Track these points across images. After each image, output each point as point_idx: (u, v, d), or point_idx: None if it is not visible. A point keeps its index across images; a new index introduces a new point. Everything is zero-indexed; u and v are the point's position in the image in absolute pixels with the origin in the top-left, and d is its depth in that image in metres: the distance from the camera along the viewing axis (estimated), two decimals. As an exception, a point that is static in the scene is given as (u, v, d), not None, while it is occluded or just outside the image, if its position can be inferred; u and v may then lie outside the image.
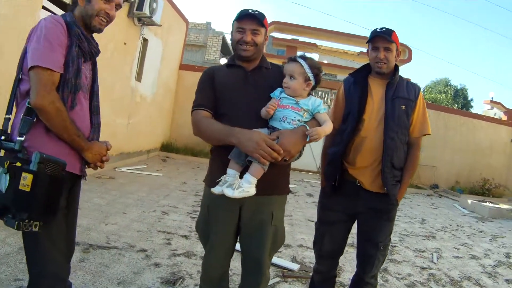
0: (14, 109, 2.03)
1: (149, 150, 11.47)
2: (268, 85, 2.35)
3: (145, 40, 9.85)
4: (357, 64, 16.18)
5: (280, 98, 2.27)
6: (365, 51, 3.04)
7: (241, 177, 2.14)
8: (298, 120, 2.23)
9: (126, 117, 9.48)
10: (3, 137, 1.93)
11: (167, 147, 12.72)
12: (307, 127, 2.21)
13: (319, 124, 2.25)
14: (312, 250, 3.14)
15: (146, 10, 8.56)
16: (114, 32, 7.94)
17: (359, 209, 2.85)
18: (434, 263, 5.18)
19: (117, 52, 8.31)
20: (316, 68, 2.29)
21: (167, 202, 6.40)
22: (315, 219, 3.07)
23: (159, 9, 9.17)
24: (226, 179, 2.15)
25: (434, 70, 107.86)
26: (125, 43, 8.61)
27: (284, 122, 2.22)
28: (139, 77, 9.94)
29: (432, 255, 5.51)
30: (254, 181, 2.12)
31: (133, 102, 9.76)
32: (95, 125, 2.19)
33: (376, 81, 2.86)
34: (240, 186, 2.10)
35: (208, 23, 25.58)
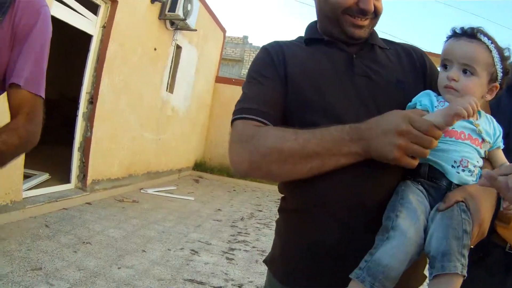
0: None
1: (180, 169, 10.50)
2: (393, 79, 1.27)
3: (178, 47, 8.92)
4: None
5: None
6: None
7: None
8: (479, 167, 1.20)
9: (156, 132, 8.52)
10: None
11: (200, 166, 11.75)
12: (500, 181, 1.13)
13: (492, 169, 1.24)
14: None
15: (179, 11, 7.53)
16: (142, 35, 7.02)
17: None
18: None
19: (146, 58, 7.36)
20: (506, 57, 1.20)
21: (198, 236, 5.28)
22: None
23: (194, 11, 8.18)
24: None
25: None
26: (155, 49, 7.67)
27: (459, 168, 1.15)
28: (171, 88, 8.99)
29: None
30: None
31: (164, 116, 8.81)
32: None
33: None
34: None
35: (245, 37, 25.15)
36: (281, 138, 1.13)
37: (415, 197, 1.11)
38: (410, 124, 1.03)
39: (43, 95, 1.36)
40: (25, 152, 1.33)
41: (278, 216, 1.35)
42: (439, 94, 1.21)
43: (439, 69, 1.23)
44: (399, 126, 1.03)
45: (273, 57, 1.29)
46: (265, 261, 1.37)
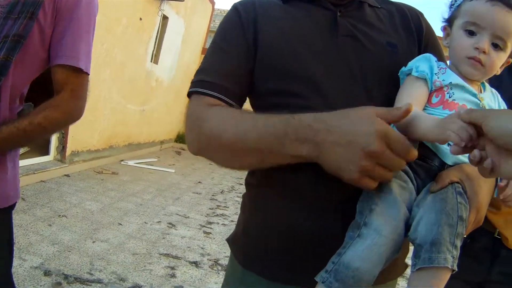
0: None
1: (162, 141, 10.48)
2: (383, 41, 1.09)
3: (164, 18, 8.77)
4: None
5: (445, 86, 0.99)
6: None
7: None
8: None
9: (139, 103, 8.44)
10: None
11: (182, 138, 11.67)
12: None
13: None
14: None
15: (166, -20, 7.47)
16: (128, 4, 6.87)
17: (490, 276, 1.71)
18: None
19: (131, 28, 7.23)
20: None
21: (176, 209, 5.30)
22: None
23: (181, -19, 8.08)
24: None
25: None
26: (140, 19, 7.53)
27: None
28: (155, 58, 8.87)
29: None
30: None
31: (148, 87, 8.72)
32: None
33: None
34: None
35: (235, 9, 24.71)
36: (222, 126, 1.00)
37: (397, 183, 0.93)
38: (385, 144, 0.84)
39: (89, 71, 1.37)
40: (68, 126, 1.37)
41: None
42: (438, 60, 1.05)
43: (460, 32, 1.02)
44: (370, 146, 0.83)
45: (242, 18, 1.12)
46: (227, 240, 1.22)
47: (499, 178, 1.01)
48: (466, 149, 0.77)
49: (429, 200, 0.92)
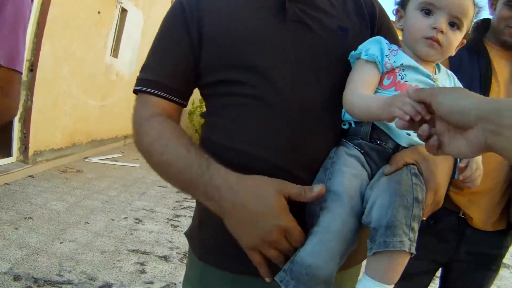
0: None
1: (126, 136, 10.34)
2: (334, 26, 1.07)
3: (123, 11, 8.66)
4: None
5: (397, 67, 0.99)
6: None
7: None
8: None
9: (100, 98, 8.33)
10: None
11: (146, 131, 11.48)
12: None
13: None
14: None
15: (123, -28, 7.38)
16: (86, -2, 6.77)
17: (457, 255, 1.81)
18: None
19: (90, 22, 7.12)
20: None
21: (142, 204, 5.32)
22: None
23: (139, -27, 7.99)
24: None
25: None
26: (99, 12, 7.43)
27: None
28: (115, 52, 8.73)
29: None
30: None
31: (108, 81, 8.60)
32: None
33: (499, 53, 1.76)
34: None
35: None
36: (153, 147, 1.04)
37: (347, 172, 0.92)
38: (283, 236, 0.89)
39: (20, 69, 1.33)
40: None
41: None
42: (392, 42, 1.04)
43: (416, 13, 1.01)
44: (269, 236, 0.88)
45: (186, 11, 1.08)
46: (185, 234, 1.23)
47: (458, 159, 1.00)
48: (414, 125, 0.78)
49: (383, 182, 0.90)
